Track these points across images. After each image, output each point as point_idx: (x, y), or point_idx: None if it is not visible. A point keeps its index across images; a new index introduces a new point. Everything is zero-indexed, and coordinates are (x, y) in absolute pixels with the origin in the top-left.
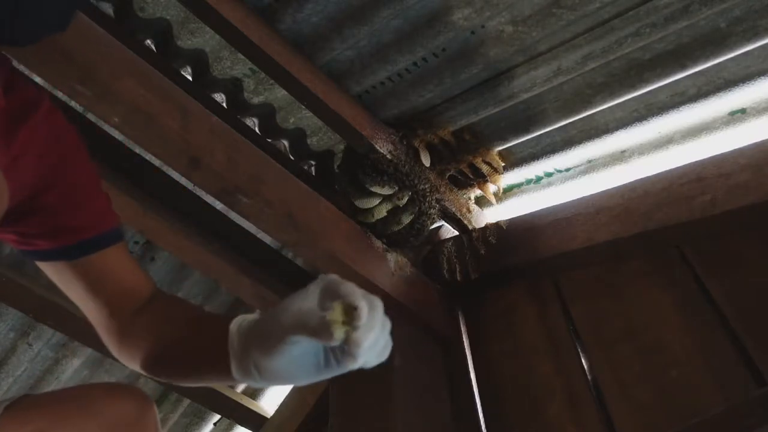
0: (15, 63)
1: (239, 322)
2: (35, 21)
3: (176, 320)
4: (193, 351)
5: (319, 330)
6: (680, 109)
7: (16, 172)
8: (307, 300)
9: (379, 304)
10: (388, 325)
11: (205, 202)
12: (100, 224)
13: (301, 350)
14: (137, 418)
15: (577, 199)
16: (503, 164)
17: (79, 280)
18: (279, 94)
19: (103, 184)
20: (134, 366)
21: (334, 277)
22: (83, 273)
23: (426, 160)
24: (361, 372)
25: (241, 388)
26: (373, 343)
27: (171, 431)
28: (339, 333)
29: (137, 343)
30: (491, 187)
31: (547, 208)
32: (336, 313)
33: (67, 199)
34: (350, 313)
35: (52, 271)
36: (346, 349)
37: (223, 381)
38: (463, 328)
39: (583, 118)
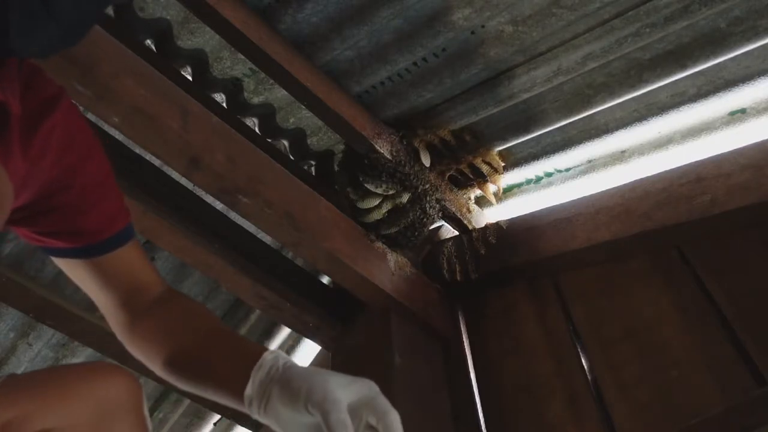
0: None
1: (276, 357)
2: (44, 36)
3: (196, 327)
4: (210, 361)
5: (336, 429)
6: (680, 109)
7: (34, 174)
8: (345, 392)
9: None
10: None
11: (205, 202)
12: (113, 225)
13: (309, 422)
14: (127, 399)
15: (577, 199)
16: (503, 164)
17: (92, 276)
18: (279, 94)
19: (114, 178)
20: (145, 361)
21: (376, 391)
22: (95, 270)
23: (426, 160)
24: (361, 372)
25: None
26: None
27: (171, 431)
28: None
29: (150, 340)
30: (491, 187)
31: (547, 208)
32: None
33: (82, 199)
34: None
35: (63, 265)
36: None
37: (228, 399)
38: (463, 328)
39: (583, 118)
